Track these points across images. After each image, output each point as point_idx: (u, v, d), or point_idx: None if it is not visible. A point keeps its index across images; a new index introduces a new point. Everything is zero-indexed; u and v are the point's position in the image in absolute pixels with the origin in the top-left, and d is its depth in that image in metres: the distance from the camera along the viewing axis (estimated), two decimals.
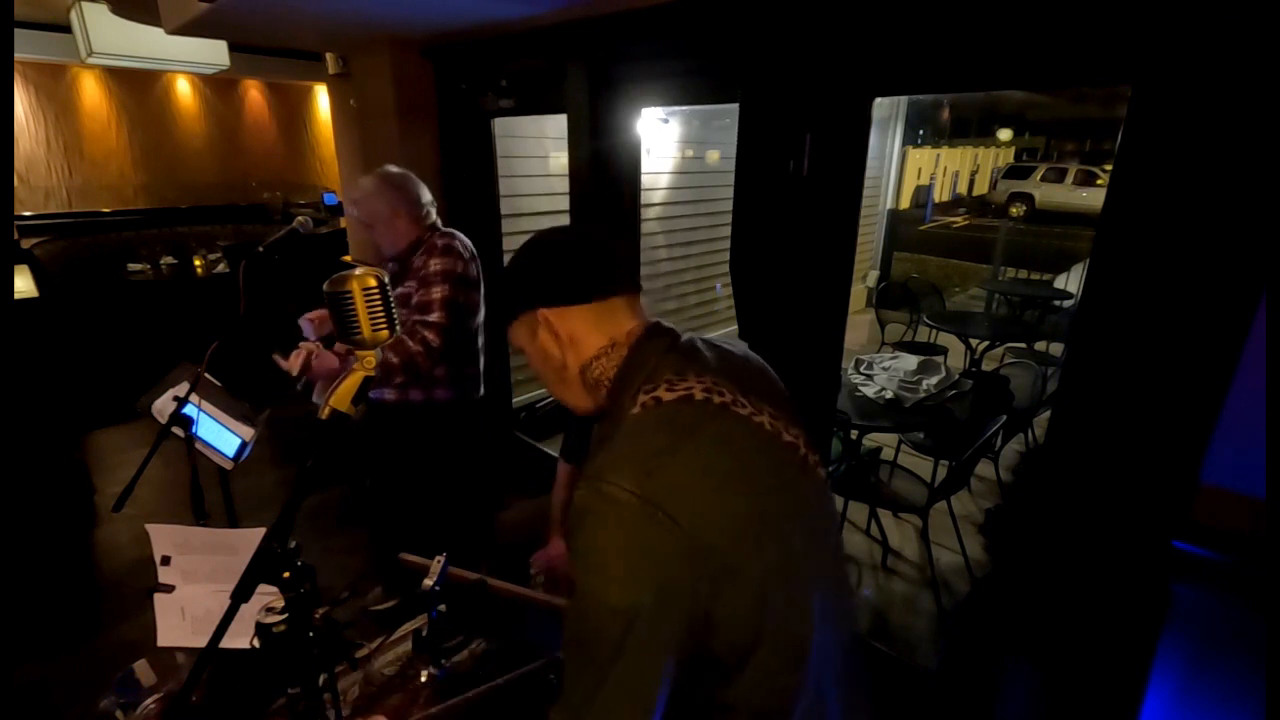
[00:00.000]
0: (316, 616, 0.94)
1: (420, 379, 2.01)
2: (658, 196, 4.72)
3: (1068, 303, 5.05)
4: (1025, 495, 3.04)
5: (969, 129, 20.95)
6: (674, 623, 0.68)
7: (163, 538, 1.33)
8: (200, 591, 1.27)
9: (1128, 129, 1.31)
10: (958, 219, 16.37)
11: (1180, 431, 1.31)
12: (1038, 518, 1.62)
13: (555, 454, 1.97)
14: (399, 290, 1.98)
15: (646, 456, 0.72)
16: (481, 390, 2.25)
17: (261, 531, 0.93)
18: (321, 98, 7.91)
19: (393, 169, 2.06)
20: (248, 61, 6.24)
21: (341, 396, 0.87)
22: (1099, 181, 13.93)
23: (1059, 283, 7.12)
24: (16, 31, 5.16)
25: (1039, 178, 15.22)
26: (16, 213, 5.92)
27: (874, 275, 7.15)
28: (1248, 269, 1.18)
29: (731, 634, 0.71)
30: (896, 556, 2.94)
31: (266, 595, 0.87)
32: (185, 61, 4.96)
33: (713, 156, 5.08)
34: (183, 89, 6.99)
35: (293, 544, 0.87)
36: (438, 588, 1.15)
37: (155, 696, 1.17)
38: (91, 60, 4.62)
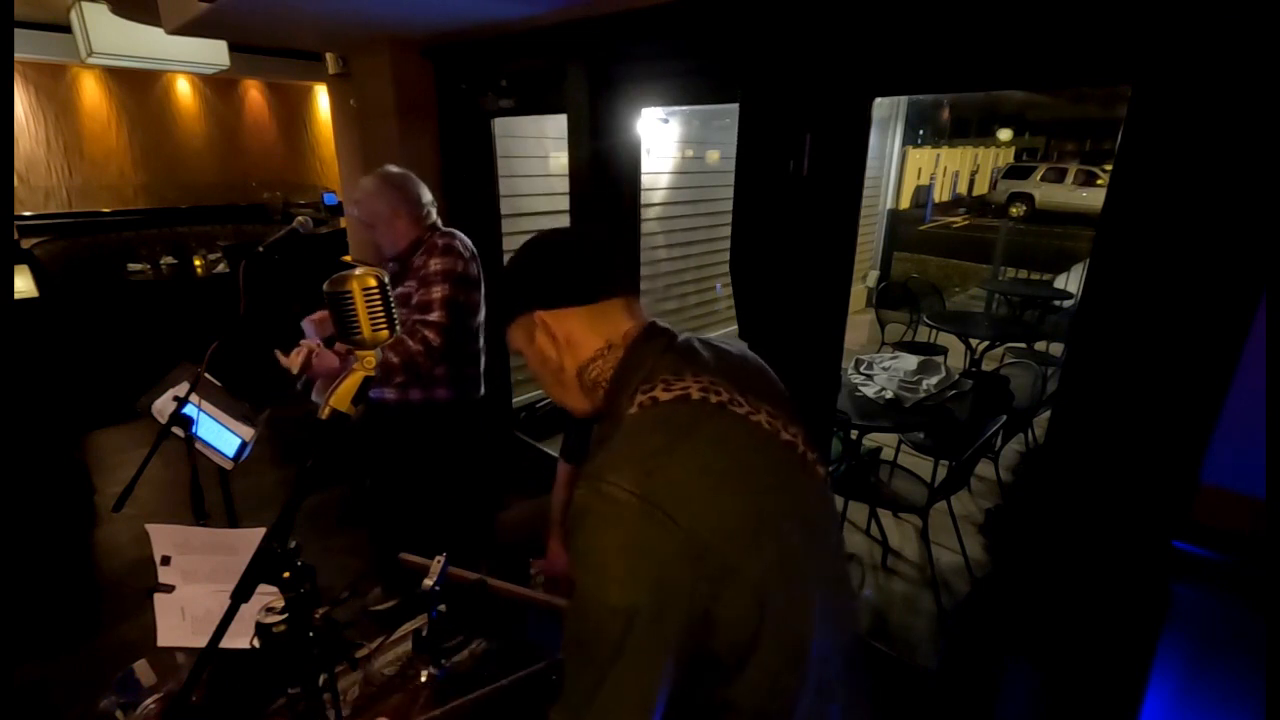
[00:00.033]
0: (316, 616, 0.94)
1: (420, 379, 2.01)
2: (658, 196, 4.72)
3: (1068, 303, 5.05)
4: (1025, 495, 3.05)
5: (969, 129, 20.96)
6: (674, 622, 0.68)
7: (163, 538, 1.33)
8: (200, 591, 1.27)
9: (1128, 129, 1.31)
10: (958, 219, 16.37)
11: (1180, 431, 1.31)
12: (1038, 518, 1.62)
13: (555, 454, 1.97)
14: (399, 290, 1.98)
15: (644, 456, 0.72)
16: (482, 390, 2.25)
17: (261, 531, 0.93)
18: (321, 98, 7.91)
19: (393, 169, 2.06)
20: (248, 61, 6.24)
21: (341, 396, 0.87)
22: (1099, 181, 13.93)
23: (1059, 283, 7.12)
24: (16, 31, 5.16)
25: (1039, 178, 15.21)
26: (16, 213, 5.92)
27: (874, 275, 7.15)
28: (1248, 269, 1.18)
29: (731, 634, 0.71)
30: (896, 556, 2.94)
31: (266, 595, 0.87)
32: (185, 61, 4.96)
33: (713, 156, 5.08)
34: (183, 89, 6.99)
35: (293, 544, 0.87)
36: (438, 588, 1.15)
37: (155, 696, 1.17)
38: (91, 60, 4.62)
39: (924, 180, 16.11)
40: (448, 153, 3.33)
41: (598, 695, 0.67)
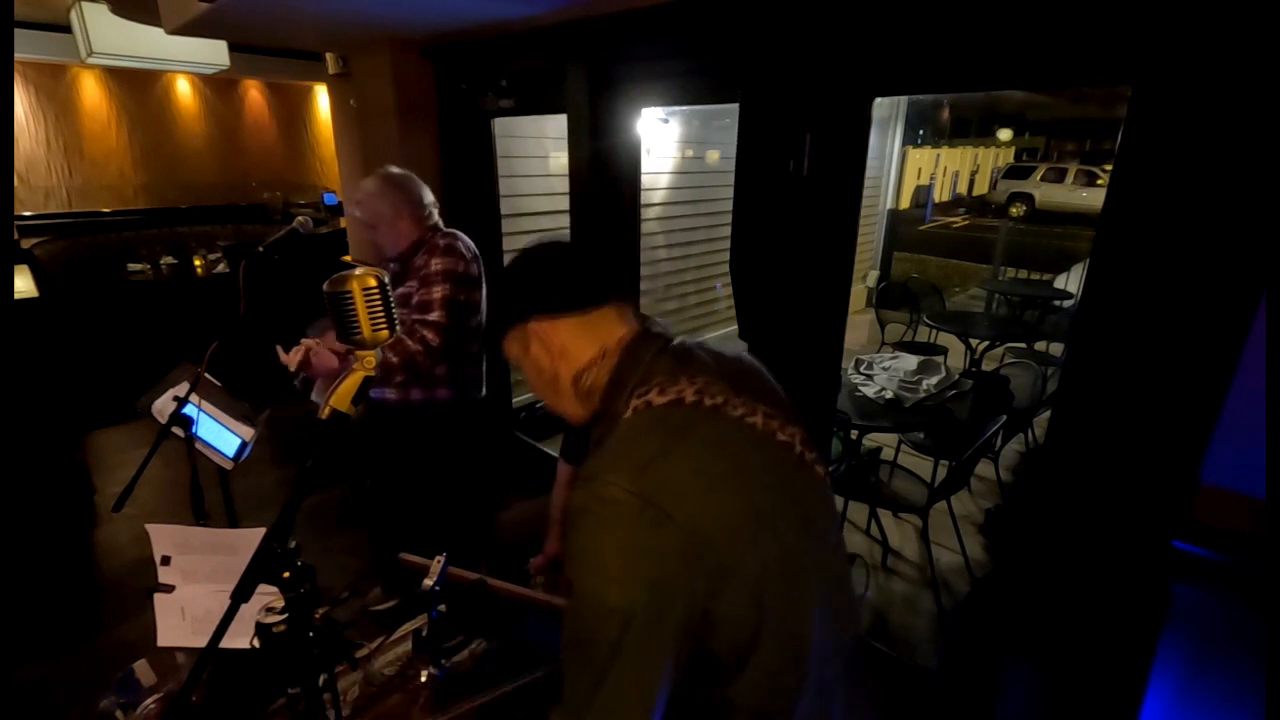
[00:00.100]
0: (316, 616, 0.94)
1: (421, 378, 2.01)
2: (658, 196, 4.72)
3: (1068, 303, 5.05)
4: (1025, 495, 3.04)
5: (969, 129, 20.96)
6: (672, 622, 0.68)
7: (163, 538, 1.33)
8: (200, 591, 1.27)
9: (1128, 129, 1.31)
10: (958, 219, 16.37)
11: (1180, 431, 1.31)
12: (1038, 518, 1.62)
13: (555, 454, 1.97)
14: (400, 290, 1.98)
15: (640, 458, 0.73)
16: (484, 390, 2.25)
17: (261, 531, 0.93)
18: (321, 98, 7.91)
19: (395, 170, 2.06)
20: (248, 61, 6.24)
21: (341, 396, 0.87)
22: (1099, 181, 13.93)
23: (1059, 283, 7.11)
24: (16, 31, 5.16)
25: (1039, 178, 15.21)
26: (16, 213, 5.92)
27: (874, 275, 7.15)
28: (1248, 269, 1.18)
29: (731, 634, 0.71)
30: (896, 556, 2.94)
31: (266, 595, 0.87)
32: (185, 61, 4.96)
33: (713, 156, 5.08)
34: (183, 89, 6.99)
35: (293, 544, 0.87)
36: (438, 588, 1.15)
37: (155, 696, 1.17)
38: (91, 60, 4.62)
39: (924, 180, 16.11)
40: (448, 153, 3.32)
41: (597, 695, 0.67)
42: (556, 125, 3.34)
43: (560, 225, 3.77)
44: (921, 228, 14.29)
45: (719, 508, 0.72)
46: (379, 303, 0.89)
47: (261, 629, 0.91)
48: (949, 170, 19.10)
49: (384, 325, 0.90)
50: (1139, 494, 1.39)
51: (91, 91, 6.40)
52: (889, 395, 2.92)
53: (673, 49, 2.21)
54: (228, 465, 1.71)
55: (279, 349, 1.83)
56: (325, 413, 0.87)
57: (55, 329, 4.18)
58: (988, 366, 4.39)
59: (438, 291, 1.93)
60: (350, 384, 0.88)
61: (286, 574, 0.86)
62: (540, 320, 0.85)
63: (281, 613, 0.90)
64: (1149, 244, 1.29)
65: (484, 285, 2.11)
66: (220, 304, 4.77)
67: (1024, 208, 15.00)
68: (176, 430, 1.60)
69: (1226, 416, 1.25)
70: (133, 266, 5.34)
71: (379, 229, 2.03)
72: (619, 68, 2.42)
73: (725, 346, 0.95)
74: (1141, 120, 1.29)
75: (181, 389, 1.64)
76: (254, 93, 7.53)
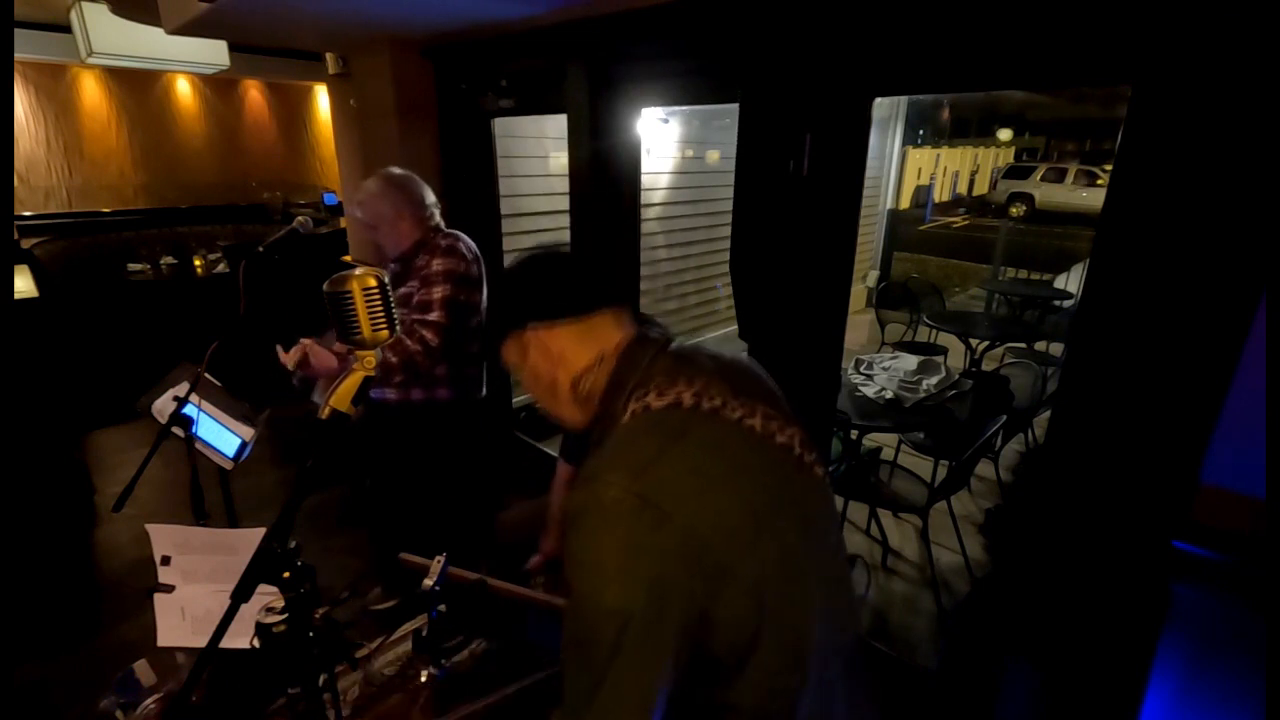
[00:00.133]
0: (316, 616, 0.94)
1: (421, 378, 2.01)
2: (658, 196, 4.72)
3: (1068, 303, 5.04)
4: (1025, 495, 3.04)
5: (969, 129, 20.95)
6: (671, 622, 0.68)
7: (163, 538, 1.33)
8: (200, 591, 1.27)
9: (1128, 129, 1.31)
10: (958, 219, 16.36)
11: (1180, 431, 1.31)
12: (1038, 518, 1.62)
13: (555, 454, 1.97)
14: (401, 291, 1.98)
15: (638, 459, 0.73)
16: (484, 390, 2.25)
17: (261, 531, 0.93)
18: (321, 98, 7.91)
19: (397, 170, 2.06)
20: (248, 61, 6.25)
21: (341, 396, 0.88)
22: (1099, 181, 13.93)
23: (1059, 283, 7.11)
24: (16, 31, 5.16)
25: (1039, 178, 15.21)
26: (16, 213, 5.92)
27: (874, 275, 7.15)
28: (1248, 269, 1.18)
29: (730, 634, 0.71)
30: (896, 556, 2.94)
31: (266, 595, 0.88)
32: (185, 61, 4.96)
33: (713, 156, 5.08)
34: (183, 89, 6.99)
35: (293, 544, 0.87)
36: (438, 588, 1.15)
37: (155, 696, 1.17)
38: (91, 60, 4.62)
39: (924, 180, 16.10)
40: (448, 153, 3.32)
41: (597, 696, 0.67)
42: (556, 125, 3.34)
43: (560, 225, 3.77)
44: (921, 228, 14.28)
45: (717, 509, 0.72)
46: (379, 303, 0.89)
47: (261, 629, 0.91)
48: (949, 170, 19.09)
49: (384, 325, 0.90)
50: (1139, 494, 1.39)
51: (91, 91, 6.40)
52: (889, 395, 2.92)
53: (673, 49, 2.21)
54: (228, 465, 1.71)
55: (279, 349, 1.83)
56: (325, 413, 0.87)
57: (55, 329, 4.18)
58: (988, 366, 4.39)
59: (438, 292, 1.93)
60: (350, 384, 0.88)
61: (286, 574, 0.86)
62: (538, 327, 0.86)
63: (281, 613, 0.90)
64: (1149, 244, 1.29)
65: (485, 286, 2.11)
66: (220, 304, 4.77)
67: (1024, 208, 15.00)
68: (176, 430, 1.60)
69: (1226, 416, 1.25)
70: (133, 266, 5.34)
71: (380, 229, 2.03)
72: (619, 68, 2.42)
73: (724, 348, 0.95)
74: (1141, 120, 1.29)
75: (181, 389, 1.64)
76: (254, 93, 7.53)
